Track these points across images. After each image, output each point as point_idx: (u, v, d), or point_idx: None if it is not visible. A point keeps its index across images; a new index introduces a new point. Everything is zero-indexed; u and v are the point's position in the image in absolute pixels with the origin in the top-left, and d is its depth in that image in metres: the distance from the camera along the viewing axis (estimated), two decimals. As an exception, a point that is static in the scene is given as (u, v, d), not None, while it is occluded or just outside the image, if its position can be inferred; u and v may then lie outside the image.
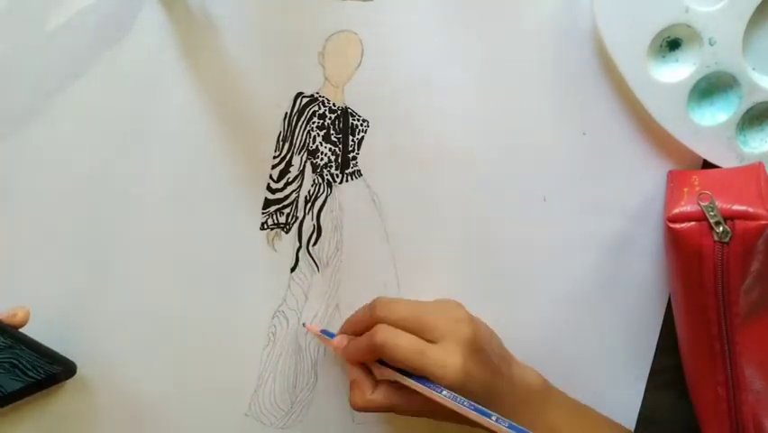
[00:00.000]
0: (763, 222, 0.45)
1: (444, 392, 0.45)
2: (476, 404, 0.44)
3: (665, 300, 0.54)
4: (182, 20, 0.49)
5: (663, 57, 0.49)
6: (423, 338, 0.47)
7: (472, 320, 0.49)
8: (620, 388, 0.56)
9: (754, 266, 0.47)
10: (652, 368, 0.56)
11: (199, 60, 0.50)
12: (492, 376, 0.48)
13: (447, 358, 0.46)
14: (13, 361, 0.46)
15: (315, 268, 0.54)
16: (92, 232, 0.52)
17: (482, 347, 0.48)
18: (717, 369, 0.50)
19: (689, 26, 0.47)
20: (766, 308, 0.49)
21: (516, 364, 0.52)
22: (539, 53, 0.50)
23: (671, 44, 0.49)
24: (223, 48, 0.50)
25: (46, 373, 0.48)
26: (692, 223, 0.47)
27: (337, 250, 0.54)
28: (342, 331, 0.53)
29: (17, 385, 0.47)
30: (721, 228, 0.46)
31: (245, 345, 0.55)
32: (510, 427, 0.42)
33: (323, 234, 0.53)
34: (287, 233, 0.53)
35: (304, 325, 0.54)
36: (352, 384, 0.50)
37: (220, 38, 0.49)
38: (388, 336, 0.46)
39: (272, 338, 0.55)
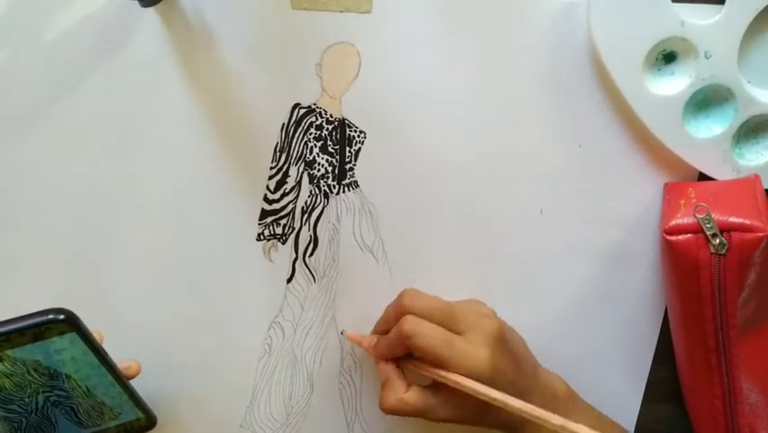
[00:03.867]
0: (759, 234, 0.46)
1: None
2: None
3: (662, 312, 0.54)
4: (180, 30, 0.49)
5: (659, 70, 0.50)
6: (449, 330, 0.46)
7: (497, 316, 0.49)
8: (617, 400, 0.55)
9: (751, 278, 0.47)
10: (648, 380, 0.55)
11: (197, 71, 0.50)
12: (519, 373, 0.48)
13: (476, 350, 0.45)
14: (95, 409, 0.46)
15: (312, 279, 0.54)
16: (89, 241, 0.52)
17: (508, 342, 0.47)
18: (713, 381, 0.50)
19: (684, 39, 0.48)
20: (763, 320, 0.49)
21: (541, 368, 0.51)
22: (536, 66, 0.50)
23: (666, 57, 0.49)
24: (220, 58, 0.50)
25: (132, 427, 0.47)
26: (689, 235, 0.47)
27: (334, 261, 0.54)
28: (374, 331, 0.52)
29: None
30: (718, 240, 0.46)
31: (241, 356, 0.55)
32: None
33: (319, 245, 0.53)
34: (283, 244, 0.53)
35: (342, 333, 0.54)
36: (384, 385, 0.48)
37: (218, 48, 0.50)
38: (415, 325, 0.46)
39: (268, 349, 0.55)
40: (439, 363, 0.46)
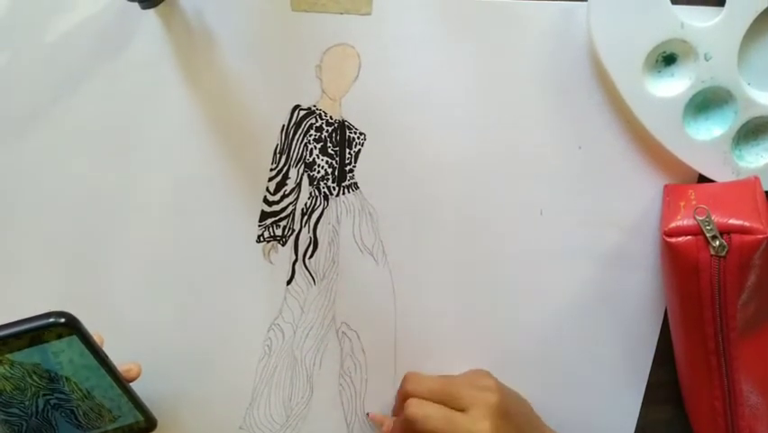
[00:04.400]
0: (759, 236, 0.46)
1: None
2: None
3: (662, 314, 0.54)
4: (180, 32, 0.49)
5: (659, 72, 0.50)
6: (452, 408, 0.48)
7: (499, 387, 0.50)
8: (617, 402, 0.55)
9: (751, 280, 0.47)
10: (648, 382, 0.55)
11: (197, 73, 0.50)
12: None
13: (476, 424, 0.47)
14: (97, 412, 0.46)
15: (312, 281, 0.54)
16: (88, 243, 0.52)
17: (510, 413, 0.49)
18: (713, 383, 0.50)
19: (684, 41, 0.48)
20: (763, 322, 0.49)
21: (548, 430, 0.52)
22: (535, 67, 0.50)
23: (666, 59, 0.49)
24: (220, 60, 0.50)
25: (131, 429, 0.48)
26: (689, 237, 0.47)
27: (333, 263, 0.53)
28: (392, 414, 0.55)
29: None
30: (718, 242, 0.46)
31: (241, 358, 0.55)
32: None
33: (319, 246, 0.53)
34: (283, 245, 0.53)
35: (368, 415, 0.56)
36: None
37: (218, 50, 0.50)
38: (417, 409, 0.48)
39: (268, 351, 0.55)
40: None
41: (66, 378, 0.43)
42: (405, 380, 0.51)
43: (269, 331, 0.54)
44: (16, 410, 0.44)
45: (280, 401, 0.55)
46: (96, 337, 0.42)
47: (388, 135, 0.51)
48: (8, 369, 0.41)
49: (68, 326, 0.40)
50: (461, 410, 0.48)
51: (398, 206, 0.53)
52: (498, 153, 0.52)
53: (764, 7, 0.47)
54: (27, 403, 0.43)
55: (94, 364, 0.43)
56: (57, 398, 0.44)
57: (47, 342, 0.41)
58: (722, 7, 0.47)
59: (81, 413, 0.45)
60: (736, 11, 0.47)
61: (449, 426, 0.47)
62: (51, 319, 0.40)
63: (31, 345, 0.40)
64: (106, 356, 0.43)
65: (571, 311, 0.54)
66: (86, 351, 0.42)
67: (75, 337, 0.41)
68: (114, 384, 0.44)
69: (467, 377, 0.52)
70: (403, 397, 0.51)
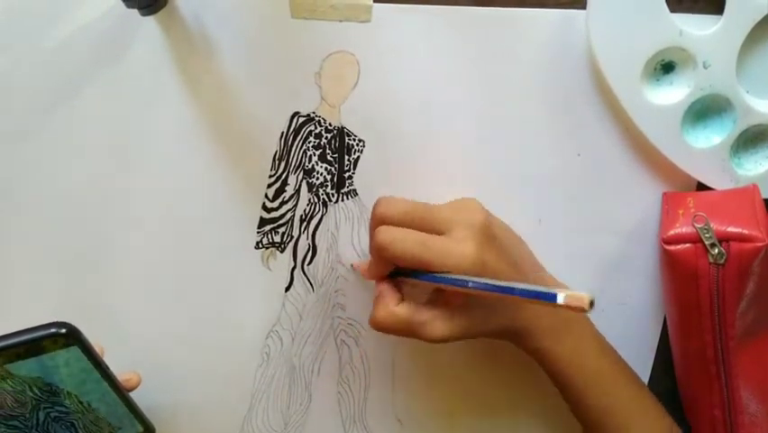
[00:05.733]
0: (758, 244, 0.46)
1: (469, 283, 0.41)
2: (496, 282, 0.40)
3: (661, 322, 0.54)
4: (180, 39, 0.49)
5: (658, 80, 0.50)
6: (431, 232, 0.43)
7: (486, 211, 0.45)
8: (616, 410, 0.55)
9: (750, 288, 0.47)
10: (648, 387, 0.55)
11: (196, 79, 0.50)
12: (515, 272, 0.44)
13: (458, 245, 0.42)
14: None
15: (310, 287, 0.54)
16: (86, 250, 0.52)
17: (498, 237, 0.44)
18: (713, 391, 0.50)
19: (683, 49, 0.48)
20: (762, 330, 0.49)
21: (547, 274, 0.49)
22: (534, 75, 0.51)
23: (665, 67, 0.50)
24: (219, 67, 0.50)
25: None
26: (688, 245, 0.47)
27: (332, 270, 0.53)
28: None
29: None
30: (716, 250, 0.46)
31: (238, 365, 0.54)
32: (537, 293, 0.38)
33: (318, 253, 0.53)
34: (282, 252, 0.53)
35: (352, 266, 0.52)
36: (375, 300, 0.45)
37: (217, 57, 0.50)
38: (387, 234, 0.43)
39: (266, 358, 0.54)
40: (422, 268, 0.42)
41: (66, 392, 0.43)
42: (376, 204, 0.45)
43: (267, 338, 0.54)
44: (17, 423, 0.43)
45: (279, 409, 0.55)
46: (96, 348, 0.42)
47: (388, 142, 0.51)
48: (9, 382, 0.41)
49: (70, 336, 0.40)
50: (441, 234, 0.43)
51: (397, 213, 0.53)
52: (497, 160, 0.52)
53: (763, 15, 0.47)
54: (28, 416, 0.43)
55: (95, 376, 0.42)
56: (57, 411, 0.43)
57: (48, 352, 0.40)
58: (721, 15, 0.47)
59: (81, 426, 0.44)
60: (734, 19, 0.47)
61: (423, 249, 0.41)
62: (53, 330, 0.40)
63: (31, 355, 0.40)
64: (107, 367, 0.43)
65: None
66: (87, 362, 0.41)
67: (76, 348, 0.40)
68: (115, 396, 0.44)
69: (448, 203, 0.46)
70: (375, 223, 0.44)
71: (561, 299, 0.36)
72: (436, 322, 0.44)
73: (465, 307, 0.44)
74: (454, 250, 0.42)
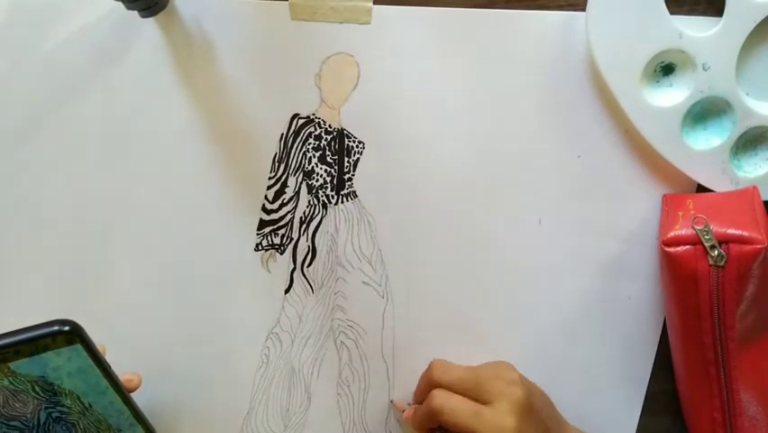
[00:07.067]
0: (758, 246, 0.46)
1: None
2: None
3: (660, 324, 0.54)
4: (180, 41, 0.49)
5: (657, 82, 0.50)
6: (477, 401, 0.48)
7: (524, 382, 0.50)
8: (616, 413, 0.55)
9: (750, 290, 0.47)
10: (647, 393, 0.55)
11: (196, 81, 0.50)
12: None
13: (502, 420, 0.46)
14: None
15: (310, 289, 0.54)
16: (86, 252, 0.52)
17: (534, 409, 0.48)
18: (712, 394, 0.50)
19: (682, 51, 0.48)
20: (762, 332, 0.49)
21: (569, 429, 0.52)
22: (534, 77, 0.51)
23: (665, 69, 0.50)
24: (220, 69, 0.50)
25: None
26: (687, 247, 0.47)
27: (332, 271, 0.53)
28: (413, 400, 0.54)
29: None
30: (716, 252, 0.46)
31: (238, 367, 0.54)
32: None
33: (317, 255, 0.53)
34: (281, 254, 0.53)
35: (392, 402, 0.55)
36: None
37: (217, 59, 0.50)
38: (444, 400, 0.47)
39: (266, 360, 0.54)
40: None
41: (68, 392, 0.43)
42: (432, 367, 0.51)
43: (266, 340, 0.54)
44: (18, 424, 0.43)
45: (278, 411, 0.55)
46: (99, 348, 0.42)
47: (387, 144, 0.51)
48: (12, 381, 0.41)
49: (73, 334, 0.40)
50: (486, 402, 0.48)
51: (397, 215, 0.53)
52: (497, 162, 0.52)
53: (763, 17, 0.47)
54: (29, 417, 0.43)
55: (96, 375, 0.42)
56: (59, 411, 0.43)
57: (51, 350, 0.40)
58: (720, 18, 0.48)
59: (82, 427, 0.44)
60: (734, 21, 0.47)
61: (474, 421, 0.47)
62: (56, 327, 0.40)
63: (34, 353, 0.40)
64: (109, 366, 0.43)
65: (569, 320, 0.54)
66: (90, 361, 0.41)
67: (78, 346, 0.40)
68: (117, 396, 0.44)
69: (492, 368, 0.51)
70: (428, 384, 0.50)
71: None
72: None
73: None
74: (499, 423, 0.47)
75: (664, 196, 0.52)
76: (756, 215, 0.47)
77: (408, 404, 0.54)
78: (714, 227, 0.46)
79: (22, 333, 0.40)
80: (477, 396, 0.48)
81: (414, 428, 0.51)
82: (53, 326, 0.40)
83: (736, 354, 0.48)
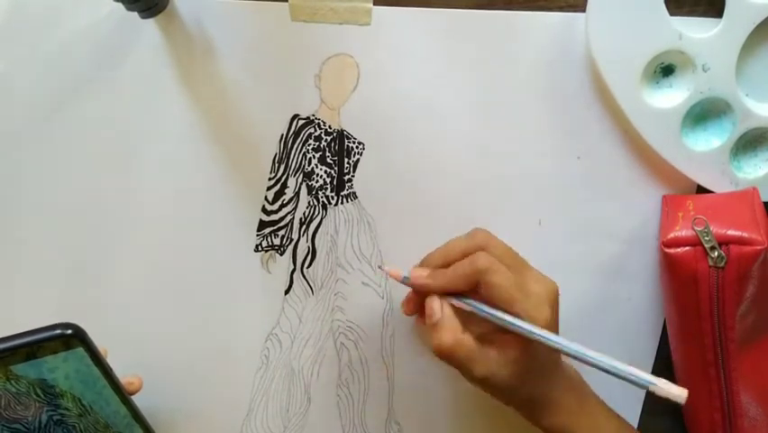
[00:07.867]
0: (757, 247, 0.46)
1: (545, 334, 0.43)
2: (591, 354, 0.43)
3: (660, 325, 0.54)
4: (180, 42, 0.49)
5: (657, 83, 0.50)
6: None
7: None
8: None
9: (750, 291, 0.47)
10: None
11: (196, 82, 0.50)
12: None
13: (542, 303, 0.44)
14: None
15: (310, 290, 0.54)
16: (87, 253, 0.52)
17: (557, 308, 0.46)
18: (712, 395, 0.50)
19: (682, 52, 0.48)
20: (762, 333, 0.49)
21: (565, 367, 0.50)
22: (534, 78, 0.51)
23: (664, 70, 0.50)
24: (220, 70, 0.50)
25: None
26: (687, 248, 0.47)
27: (332, 272, 0.53)
28: (425, 264, 0.48)
29: None
30: (716, 253, 0.46)
31: (238, 368, 0.54)
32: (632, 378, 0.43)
33: (317, 256, 0.53)
34: (281, 255, 0.53)
35: (380, 267, 0.52)
36: (438, 325, 0.45)
37: (217, 60, 0.50)
38: (492, 263, 0.44)
39: (265, 361, 0.54)
40: (505, 305, 0.44)
41: (69, 394, 0.42)
42: (476, 234, 0.46)
43: (266, 341, 0.54)
44: (20, 426, 0.43)
45: (278, 412, 0.55)
46: (100, 350, 0.42)
47: (387, 145, 0.51)
48: (14, 384, 0.41)
49: (76, 337, 0.40)
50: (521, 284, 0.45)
51: (397, 215, 0.53)
52: (497, 163, 0.52)
53: (762, 18, 0.47)
54: (31, 419, 0.43)
55: (98, 378, 0.42)
56: (60, 414, 0.43)
57: (53, 354, 0.40)
58: (720, 18, 0.48)
59: (82, 430, 0.44)
60: (734, 22, 0.47)
61: (519, 291, 0.44)
62: (58, 331, 0.40)
63: (36, 357, 0.40)
64: (111, 369, 0.43)
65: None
66: (91, 364, 0.41)
67: (81, 349, 0.40)
68: (117, 399, 0.44)
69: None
70: (469, 248, 0.46)
71: (661, 390, 0.43)
72: (484, 362, 0.44)
73: (517, 361, 0.44)
74: (540, 303, 0.44)
75: (664, 197, 0.52)
76: (756, 216, 0.47)
77: (406, 277, 0.48)
78: (714, 228, 0.46)
79: (25, 336, 0.40)
80: (516, 273, 0.45)
81: (434, 289, 0.46)
82: (56, 329, 0.40)
83: (736, 356, 0.48)
